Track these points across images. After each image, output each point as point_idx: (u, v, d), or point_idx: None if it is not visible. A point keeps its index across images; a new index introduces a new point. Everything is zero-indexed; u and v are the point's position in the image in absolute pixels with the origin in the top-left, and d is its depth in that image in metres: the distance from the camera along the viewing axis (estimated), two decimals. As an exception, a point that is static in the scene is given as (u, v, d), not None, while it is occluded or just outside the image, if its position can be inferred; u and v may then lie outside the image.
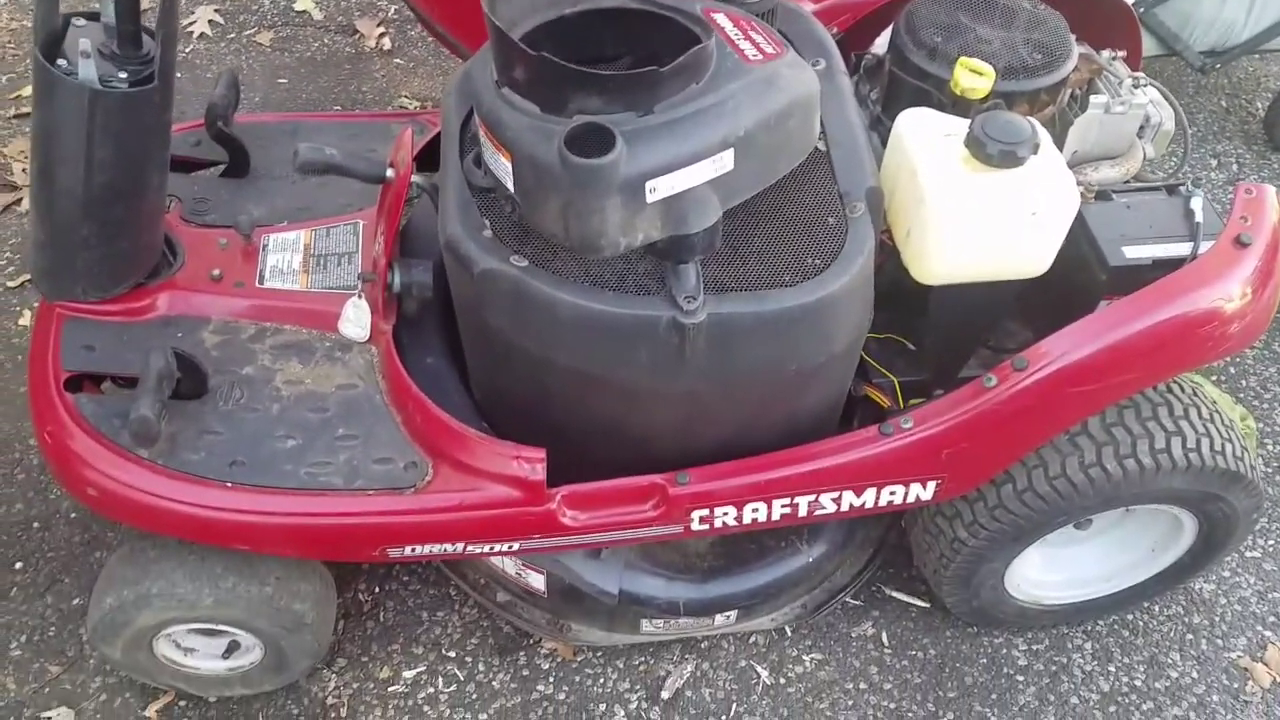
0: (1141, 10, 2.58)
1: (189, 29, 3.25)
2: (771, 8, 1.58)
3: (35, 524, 2.16)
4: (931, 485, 1.67)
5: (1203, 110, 3.14)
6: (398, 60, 3.22)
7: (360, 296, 1.68)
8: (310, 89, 3.11)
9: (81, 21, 1.49)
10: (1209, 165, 3.00)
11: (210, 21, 3.28)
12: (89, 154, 1.45)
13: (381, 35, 3.28)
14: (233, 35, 3.27)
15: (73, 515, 2.16)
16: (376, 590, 2.08)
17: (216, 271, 1.71)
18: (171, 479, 1.50)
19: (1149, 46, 2.66)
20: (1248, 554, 2.22)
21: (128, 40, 1.46)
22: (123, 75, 1.45)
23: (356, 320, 1.68)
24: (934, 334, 1.72)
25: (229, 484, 1.51)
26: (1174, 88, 3.16)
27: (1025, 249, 1.53)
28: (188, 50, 3.20)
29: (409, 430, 1.59)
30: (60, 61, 1.43)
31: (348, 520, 1.53)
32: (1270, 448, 2.39)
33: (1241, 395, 2.48)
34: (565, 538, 1.61)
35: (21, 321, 2.50)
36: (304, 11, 3.36)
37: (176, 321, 1.66)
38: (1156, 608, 2.13)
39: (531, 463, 1.54)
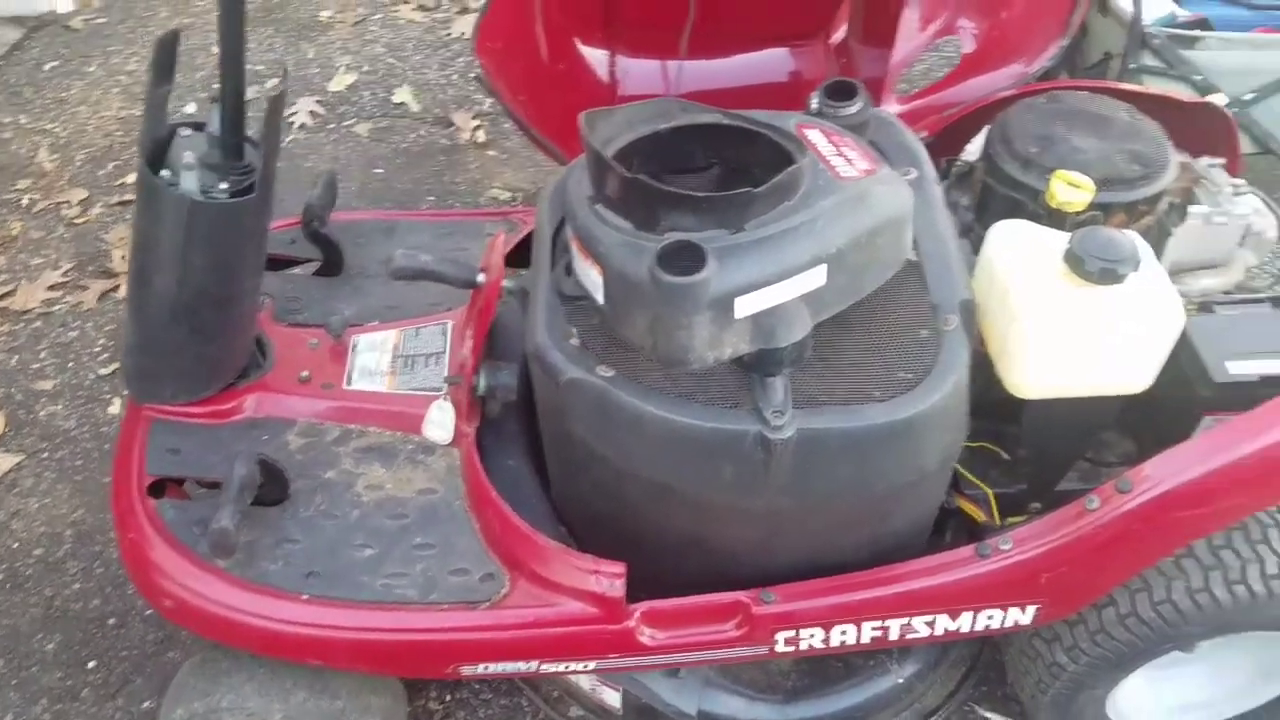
0: (1236, 110, 2.52)
1: (290, 119, 3.36)
2: (865, 119, 1.57)
3: (111, 620, 2.17)
4: (1031, 610, 1.59)
5: (1298, 204, 3.04)
6: (491, 152, 3.29)
7: (445, 399, 1.69)
8: (405, 179, 3.19)
9: (188, 131, 1.53)
10: (1307, 261, 2.89)
11: (311, 112, 3.40)
12: (185, 261, 1.48)
13: (476, 128, 3.36)
14: (332, 125, 3.39)
15: (148, 613, 2.17)
16: (448, 699, 2.03)
17: (305, 373, 1.73)
18: (247, 591, 1.49)
19: (1244, 146, 2.58)
20: (1367, 680, 2.06)
21: (231, 151, 1.51)
22: (224, 185, 1.49)
23: (440, 423, 1.67)
24: (1030, 446, 1.66)
25: (304, 596, 1.50)
26: (1265, 184, 3.05)
27: (1125, 367, 1.47)
28: (288, 140, 3.31)
29: (487, 538, 1.57)
30: (164, 171, 1.48)
31: (421, 637, 1.50)
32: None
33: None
34: (643, 657, 1.56)
35: (111, 409, 2.56)
36: (402, 103, 3.47)
37: (263, 424, 1.67)
38: (1269, 735, 1.99)
39: (611, 578, 1.50)
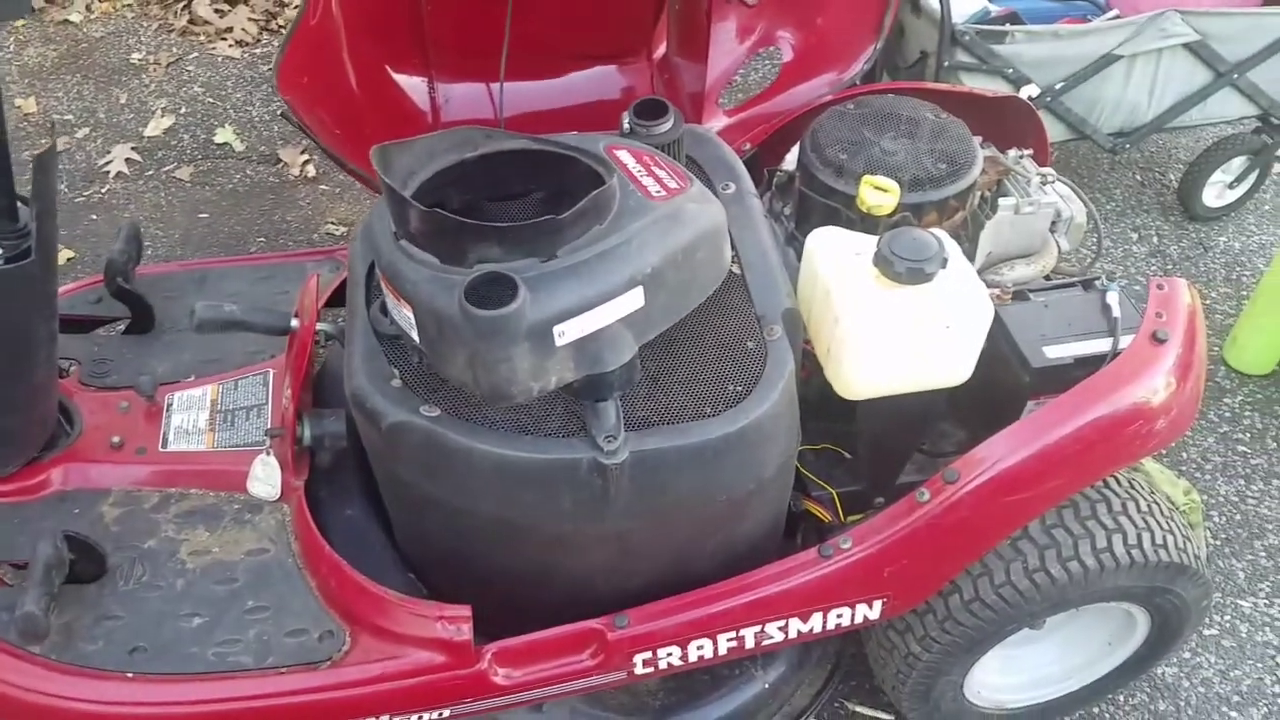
0: (1049, 100, 2.65)
1: (105, 169, 3.20)
2: (678, 137, 1.57)
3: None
4: (878, 604, 1.62)
5: (1119, 185, 3.21)
6: (323, 186, 3.19)
7: (269, 453, 1.61)
8: (232, 222, 3.06)
9: None
10: (1130, 239, 3.05)
11: (128, 160, 3.23)
12: None
13: (305, 163, 3.25)
14: (151, 172, 3.23)
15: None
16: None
17: (117, 438, 1.63)
18: (65, 675, 1.40)
19: (1061, 132, 2.72)
20: (1206, 632, 2.19)
21: (2, 214, 1.40)
22: None
23: (266, 478, 1.60)
24: (866, 444, 1.69)
25: (129, 674, 1.41)
26: (1088, 165, 3.24)
27: (943, 361, 1.51)
28: (104, 190, 3.15)
29: (324, 595, 1.51)
30: None
31: (259, 704, 1.43)
32: (1216, 519, 2.38)
33: (1184, 468, 2.48)
34: (500, 698, 1.53)
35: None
36: (224, 144, 3.33)
37: (73, 496, 1.57)
38: (1121, 698, 2.08)
39: (456, 623, 1.46)
